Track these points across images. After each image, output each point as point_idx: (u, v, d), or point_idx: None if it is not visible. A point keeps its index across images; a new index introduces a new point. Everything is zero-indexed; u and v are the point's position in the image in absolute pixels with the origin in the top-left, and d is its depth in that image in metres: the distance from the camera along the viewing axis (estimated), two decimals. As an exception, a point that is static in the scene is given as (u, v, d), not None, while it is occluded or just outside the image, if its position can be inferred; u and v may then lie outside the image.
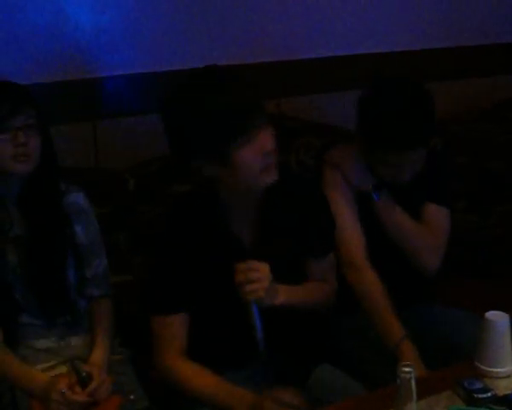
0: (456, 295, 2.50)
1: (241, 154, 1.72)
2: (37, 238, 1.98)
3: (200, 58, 2.66)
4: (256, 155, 1.73)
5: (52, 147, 2.03)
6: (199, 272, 1.84)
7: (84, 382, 1.91)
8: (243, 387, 1.81)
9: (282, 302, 1.82)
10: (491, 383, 1.67)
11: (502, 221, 2.98)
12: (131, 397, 1.97)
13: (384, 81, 2.13)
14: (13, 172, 1.93)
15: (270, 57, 2.79)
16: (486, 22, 3.25)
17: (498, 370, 1.72)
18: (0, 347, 1.95)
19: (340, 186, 2.17)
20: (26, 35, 2.40)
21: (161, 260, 1.89)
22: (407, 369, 1.47)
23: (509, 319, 1.73)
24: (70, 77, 2.48)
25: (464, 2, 3.20)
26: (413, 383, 1.47)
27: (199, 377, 1.85)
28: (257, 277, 1.74)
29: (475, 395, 1.62)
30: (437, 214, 2.25)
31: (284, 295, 1.83)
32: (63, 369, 2.01)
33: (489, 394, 1.62)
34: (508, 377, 1.72)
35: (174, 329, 1.87)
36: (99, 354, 2.03)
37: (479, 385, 1.65)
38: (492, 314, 1.73)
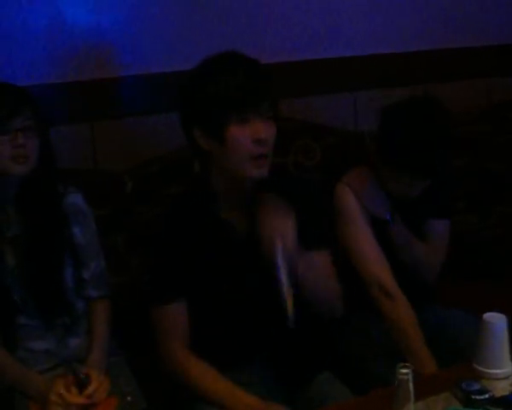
0: (456, 296, 2.50)
1: (234, 131, 1.75)
2: (34, 239, 1.98)
3: (200, 59, 2.67)
4: (247, 137, 1.75)
5: (50, 148, 2.03)
6: (195, 261, 1.86)
7: (81, 384, 1.91)
8: (245, 388, 1.82)
9: (301, 266, 1.79)
10: (489, 385, 1.67)
11: (501, 222, 2.98)
12: (129, 399, 1.97)
13: (408, 104, 2.14)
14: (11, 173, 1.92)
15: (268, 59, 2.77)
16: (485, 24, 3.25)
17: (496, 371, 1.72)
18: (-2, 349, 1.96)
19: (359, 214, 2.19)
20: (24, 37, 2.39)
21: (158, 252, 1.91)
22: (405, 370, 1.47)
23: (507, 321, 1.73)
24: (68, 79, 2.48)
25: (463, 4, 3.20)
26: (411, 384, 1.47)
27: (201, 373, 1.86)
28: (282, 227, 1.75)
29: (473, 397, 1.62)
30: (440, 230, 2.32)
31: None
32: (61, 370, 2.02)
33: (487, 395, 1.62)
34: (505, 378, 1.72)
35: (174, 318, 1.88)
36: (97, 356, 2.03)
37: (476, 387, 1.65)
38: (490, 316, 1.73)
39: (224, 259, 1.86)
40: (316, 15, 2.89)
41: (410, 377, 1.46)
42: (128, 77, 2.58)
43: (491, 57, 3.24)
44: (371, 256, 2.15)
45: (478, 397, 1.62)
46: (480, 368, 1.73)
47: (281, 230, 1.74)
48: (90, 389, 1.90)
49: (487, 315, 1.73)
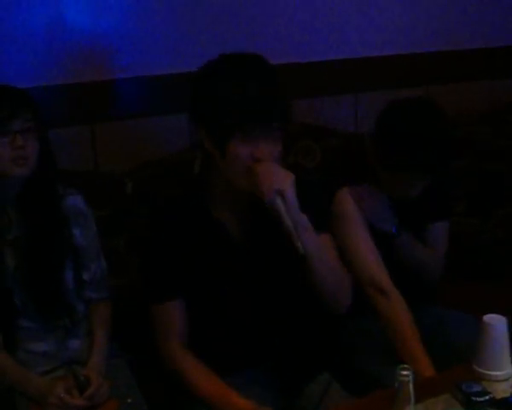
0: (457, 298, 2.50)
1: (236, 147, 1.72)
2: (35, 241, 1.98)
3: (201, 61, 2.67)
4: (248, 156, 1.72)
5: (50, 150, 2.03)
6: (191, 261, 1.86)
7: (82, 386, 1.91)
8: (243, 391, 1.82)
9: (304, 221, 1.75)
10: (489, 386, 1.67)
11: (502, 224, 2.98)
12: (129, 401, 1.97)
13: (406, 104, 2.14)
14: (11, 175, 1.92)
15: (270, 60, 2.78)
16: (486, 26, 3.25)
17: (496, 373, 1.71)
18: (-2, 350, 1.96)
19: (357, 213, 2.19)
20: (24, 39, 2.39)
21: (155, 250, 1.90)
22: (405, 372, 1.47)
23: (507, 322, 1.73)
24: (68, 80, 2.47)
25: (464, 7, 3.20)
26: (411, 386, 1.47)
27: (197, 375, 1.86)
28: (279, 176, 1.72)
29: (473, 399, 1.61)
30: (441, 233, 2.34)
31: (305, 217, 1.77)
32: (61, 373, 2.02)
33: (487, 397, 1.62)
34: (506, 380, 1.71)
35: (171, 316, 1.88)
36: (97, 358, 2.03)
37: (477, 388, 1.64)
38: (490, 317, 1.73)
39: (218, 259, 1.86)
40: (318, 17, 2.89)
41: (411, 378, 1.46)
42: (128, 79, 2.58)
43: (492, 59, 3.24)
44: (366, 255, 2.14)
45: (478, 399, 1.61)
46: (481, 370, 1.73)
47: (281, 183, 1.70)
48: (89, 392, 1.91)
49: (487, 317, 1.73)
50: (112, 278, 2.18)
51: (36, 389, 1.92)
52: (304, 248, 1.69)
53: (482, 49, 3.25)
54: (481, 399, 1.61)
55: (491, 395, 1.63)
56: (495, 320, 1.72)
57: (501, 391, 1.66)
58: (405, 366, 1.49)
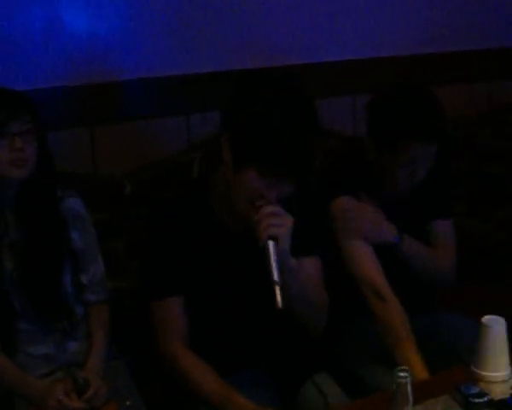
0: (456, 300, 2.49)
1: (250, 178, 1.70)
2: (33, 244, 1.98)
3: (199, 64, 2.68)
4: (260, 190, 1.71)
5: (49, 152, 2.03)
6: (191, 259, 1.86)
7: (80, 388, 1.92)
8: (242, 392, 1.81)
9: (293, 264, 1.77)
10: (488, 388, 1.67)
11: (502, 225, 2.98)
12: (128, 403, 1.97)
13: (393, 86, 2.17)
14: (10, 178, 1.92)
15: (268, 62, 2.79)
16: (485, 27, 3.25)
17: (495, 374, 1.71)
18: (-2, 354, 1.96)
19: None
20: (23, 41, 2.40)
21: (155, 248, 1.90)
22: (403, 373, 1.47)
23: (506, 324, 1.73)
24: (67, 83, 2.48)
25: (464, 8, 3.20)
26: (409, 387, 1.47)
27: (198, 374, 1.85)
28: (279, 222, 1.71)
29: (472, 400, 1.61)
30: (444, 230, 2.31)
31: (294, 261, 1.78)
32: (60, 375, 2.02)
33: (485, 398, 1.62)
34: (504, 381, 1.71)
35: (172, 313, 1.88)
36: (96, 361, 2.03)
37: (475, 390, 1.64)
38: (489, 319, 1.73)
39: (219, 258, 1.86)
40: (316, 19, 2.90)
41: (409, 380, 1.46)
42: (127, 81, 2.58)
43: (491, 60, 3.24)
44: (364, 258, 2.14)
45: (477, 400, 1.61)
46: (479, 371, 1.73)
47: (277, 229, 1.70)
48: (88, 394, 1.91)
49: (486, 318, 1.73)
50: (110, 281, 2.18)
51: (35, 391, 1.93)
52: (285, 296, 1.69)
53: (481, 51, 3.25)
54: (480, 400, 1.61)
55: (490, 397, 1.62)
56: (494, 322, 1.72)
57: (499, 393, 1.66)
58: (403, 367, 1.49)
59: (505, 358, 1.72)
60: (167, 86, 2.62)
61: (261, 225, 1.69)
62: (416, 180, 2.14)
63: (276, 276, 1.68)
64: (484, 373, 1.72)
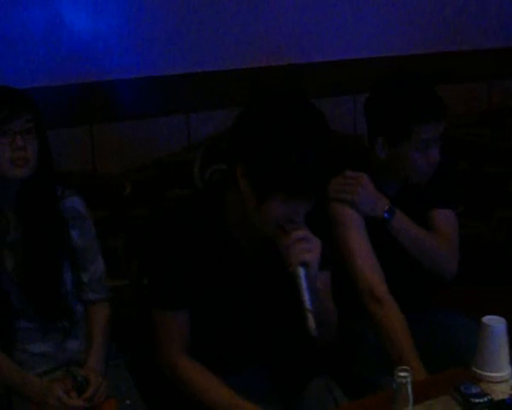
0: (456, 300, 2.50)
1: (275, 206, 1.69)
2: (33, 242, 1.98)
3: (198, 63, 2.68)
4: (284, 215, 1.70)
5: (49, 151, 2.02)
6: (200, 271, 1.83)
7: (80, 387, 1.92)
8: (244, 394, 1.81)
9: (318, 287, 1.75)
10: (488, 388, 1.67)
11: (502, 226, 2.98)
12: (128, 402, 1.97)
13: (390, 76, 2.21)
14: (11, 177, 1.92)
15: (269, 61, 2.79)
16: (485, 27, 3.26)
17: (495, 374, 1.71)
18: (-3, 352, 1.96)
19: (352, 220, 2.16)
20: (22, 40, 2.40)
21: (164, 257, 1.86)
22: (403, 373, 1.47)
23: (506, 324, 1.73)
24: (67, 81, 2.48)
25: (462, 8, 3.21)
26: (409, 387, 1.46)
27: (204, 382, 1.84)
28: (310, 247, 1.70)
29: (472, 400, 1.61)
30: (445, 219, 2.28)
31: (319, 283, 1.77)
32: (60, 374, 2.02)
33: (485, 398, 1.62)
34: (504, 381, 1.71)
35: (176, 325, 1.86)
36: (96, 359, 2.03)
37: (475, 390, 1.64)
38: (489, 319, 1.72)
39: (228, 274, 1.84)
40: (317, 19, 2.90)
41: (409, 380, 1.46)
42: (127, 80, 2.58)
43: (491, 60, 3.25)
44: (362, 261, 2.12)
45: (477, 400, 1.61)
46: (479, 371, 1.73)
47: (308, 255, 1.70)
48: (88, 393, 1.91)
49: (486, 318, 1.73)
50: (109, 280, 2.18)
51: (34, 390, 1.92)
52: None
53: (481, 51, 3.25)
54: (480, 400, 1.61)
55: (490, 397, 1.62)
56: (494, 322, 1.72)
57: (499, 393, 1.66)
58: (403, 367, 1.48)
59: (505, 358, 1.72)
60: (167, 85, 2.62)
61: (292, 250, 1.68)
62: (433, 162, 2.14)
63: (308, 304, 1.66)
64: (484, 373, 1.72)
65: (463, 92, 3.17)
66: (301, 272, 1.68)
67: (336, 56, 2.94)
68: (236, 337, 1.89)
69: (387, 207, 2.15)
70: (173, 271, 1.84)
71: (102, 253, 2.15)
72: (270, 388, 1.94)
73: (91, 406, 1.91)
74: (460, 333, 2.18)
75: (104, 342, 2.08)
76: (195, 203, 1.91)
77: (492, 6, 3.27)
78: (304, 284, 1.67)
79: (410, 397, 1.46)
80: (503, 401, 1.63)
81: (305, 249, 1.69)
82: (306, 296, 1.66)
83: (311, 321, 1.64)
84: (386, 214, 2.15)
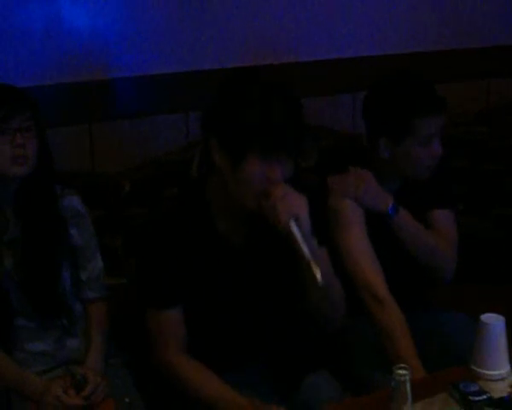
0: (454, 298, 2.50)
1: (253, 164, 1.69)
2: (32, 241, 1.98)
3: (196, 60, 2.68)
4: (263, 174, 1.70)
5: (49, 149, 2.02)
6: (191, 269, 1.84)
7: (79, 385, 1.92)
8: (242, 390, 1.81)
9: (315, 246, 1.72)
10: (487, 386, 1.67)
11: (500, 223, 2.98)
12: (127, 400, 1.97)
13: (387, 75, 2.23)
14: (11, 175, 1.92)
15: (268, 60, 2.79)
16: (482, 25, 3.26)
17: (493, 372, 1.71)
18: (-4, 350, 1.96)
19: (352, 218, 2.17)
20: (22, 38, 2.40)
21: (154, 257, 1.87)
22: (402, 371, 1.47)
23: (505, 322, 1.73)
24: (65, 80, 2.48)
25: (460, 6, 3.21)
26: (408, 385, 1.47)
27: (200, 379, 1.85)
28: (297, 200, 1.70)
29: (471, 398, 1.62)
30: (445, 219, 2.30)
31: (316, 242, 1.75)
32: (58, 372, 2.02)
33: (484, 396, 1.62)
34: (503, 379, 1.71)
35: (172, 324, 1.86)
36: (94, 358, 2.04)
37: (474, 388, 1.64)
38: (488, 317, 1.73)
39: (219, 269, 1.85)
40: (315, 17, 2.90)
41: (408, 378, 1.46)
42: (126, 78, 2.58)
43: (490, 59, 3.25)
44: (362, 260, 2.12)
45: (475, 398, 1.62)
46: (478, 369, 1.73)
47: (297, 207, 1.68)
48: (87, 391, 1.91)
49: (485, 316, 1.73)
50: (108, 278, 2.18)
51: (33, 388, 1.93)
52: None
53: (479, 49, 3.25)
54: (478, 398, 1.62)
55: (489, 395, 1.63)
56: (492, 319, 1.72)
57: (498, 391, 1.67)
58: (402, 365, 1.49)
59: (504, 356, 1.73)
60: (166, 84, 2.62)
61: (279, 207, 1.67)
62: (436, 156, 2.14)
63: (307, 253, 1.64)
64: (483, 371, 1.72)
65: (462, 91, 3.17)
66: (294, 225, 1.66)
67: (335, 55, 2.94)
68: (232, 333, 1.89)
69: (391, 203, 2.16)
70: (164, 269, 1.84)
71: (101, 251, 2.15)
72: (268, 384, 1.94)
73: (89, 404, 1.91)
74: (458, 331, 2.19)
75: (103, 340, 2.08)
76: (182, 201, 1.93)
77: (491, 4, 3.27)
78: (299, 236, 1.66)
79: (409, 395, 1.47)
80: (502, 398, 1.63)
81: (293, 204, 1.68)
82: (305, 248, 1.65)
83: (317, 271, 1.63)
84: (389, 210, 2.16)
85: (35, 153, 1.94)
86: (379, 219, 2.17)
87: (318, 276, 1.62)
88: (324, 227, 1.99)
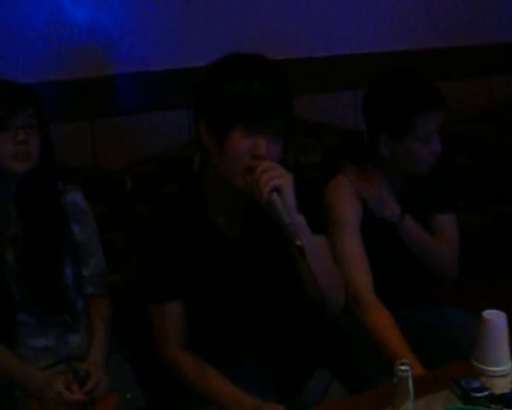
0: (455, 295, 2.50)
1: (236, 140, 1.70)
2: (34, 237, 1.99)
3: (199, 57, 2.67)
4: (247, 150, 1.70)
5: (51, 146, 2.03)
6: (190, 263, 1.84)
7: (81, 381, 1.92)
8: (241, 385, 1.82)
9: (301, 221, 1.71)
10: (489, 382, 1.67)
11: (501, 220, 2.98)
12: (128, 396, 1.96)
13: (385, 72, 2.22)
14: (13, 171, 1.92)
15: (270, 56, 2.77)
16: (484, 22, 3.26)
17: (495, 369, 1.71)
18: (-2, 346, 1.96)
19: (346, 220, 2.16)
20: (24, 35, 2.40)
21: (152, 251, 1.88)
22: (404, 367, 1.47)
23: (506, 318, 1.73)
24: (68, 76, 2.48)
25: (462, 3, 3.21)
26: (410, 381, 1.46)
27: (201, 374, 1.85)
28: (280, 173, 1.69)
29: (472, 394, 1.62)
30: (448, 224, 2.31)
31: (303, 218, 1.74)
32: (61, 368, 2.02)
33: (486, 393, 1.62)
34: (505, 375, 1.71)
35: (172, 318, 1.87)
36: (97, 353, 2.04)
37: (476, 384, 1.64)
38: (489, 313, 1.73)
39: (216, 263, 1.85)
40: (318, 13, 2.90)
41: (410, 374, 1.46)
42: (128, 74, 2.58)
43: (492, 56, 3.25)
44: (350, 262, 2.11)
45: (477, 395, 1.61)
46: (480, 366, 1.73)
47: (279, 180, 1.67)
48: (89, 386, 1.91)
49: (487, 313, 1.73)
50: (111, 274, 2.18)
51: (35, 383, 1.93)
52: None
53: (481, 46, 3.25)
54: (480, 394, 1.61)
55: (490, 391, 1.63)
56: (494, 316, 1.72)
57: (500, 387, 1.66)
58: (404, 361, 1.49)
59: (506, 352, 1.73)
60: (168, 80, 2.62)
61: (261, 179, 1.66)
62: (436, 152, 2.14)
63: (286, 219, 1.64)
64: (484, 367, 1.72)
65: (464, 88, 3.17)
66: (275, 196, 1.66)
67: (336, 51, 2.94)
68: (231, 327, 1.89)
69: (397, 209, 2.16)
70: (164, 264, 1.85)
71: (103, 247, 2.15)
72: (270, 380, 1.95)
73: (92, 400, 1.92)
74: (460, 328, 2.18)
75: (105, 336, 2.09)
76: (181, 196, 1.93)
77: (493, 2, 3.27)
78: (280, 207, 1.65)
79: (411, 391, 1.46)
80: (504, 395, 1.63)
81: (276, 176, 1.67)
82: (286, 219, 1.64)
83: (296, 239, 1.62)
84: (394, 217, 2.16)
85: (37, 149, 1.95)
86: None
87: (297, 240, 1.62)
88: (323, 223, 1.98)
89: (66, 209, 2.06)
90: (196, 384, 1.85)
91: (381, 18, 3.02)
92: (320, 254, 1.79)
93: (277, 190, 1.67)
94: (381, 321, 2.07)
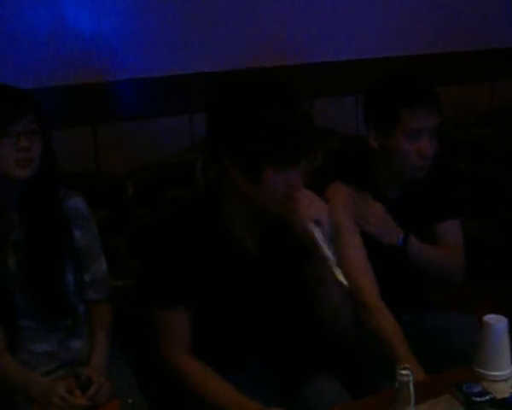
0: (456, 300, 2.50)
1: (272, 176, 1.72)
2: (36, 243, 1.99)
3: (201, 63, 2.68)
4: (283, 183, 1.73)
5: (53, 152, 2.03)
6: (198, 270, 1.84)
7: (83, 386, 1.92)
8: (245, 390, 1.82)
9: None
10: (490, 387, 1.68)
11: (501, 226, 2.98)
12: (130, 401, 1.97)
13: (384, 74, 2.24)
14: (15, 177, 1.92)
15: (271, 62, 2.79)
16: (486, 27, 3.26)
17: (496, 373, 1.72)
18: (1, 351, 1.96)
19: (348, 225, 2.16)
20: (26, 40, 2.40)
21: (164, 255, 1.87)
22: (405, 372, 1.47)
23: (508, 323, 1.73)
24: (70, 82, 2.48)
25: (463, 8, 3.21)
26: (411, 386, 1.47)
27: (204, 379, 1.86)
28: (318, 205, 1.73)
29: (474, 399, 1.62)
30: (451, 230, 2.32)
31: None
32: (63, 373, 2.02)
33: (487, 397, 1.63)
34: (506, 380, 1.72)
35: (177, 323, 1.87)
36: (99, 358, 2.04)
37: (477, 389, 1.65)
38: (491, 318, 1.73)
39: (231, 273, 1.85)
40: (319, 19, 2.90)
41: (411, 378, 1.47)
42: (130, 80, 2.58)
43: (494, 61, 3.25)
44: (355, 263, 2.11)
45: (479, 399, 1.62)
46: (481, 370, 1.74)
47: (319, 212, 1.72)
48: (91, 391, 1.91)
49: (488, 317, 1.74)
50: (113, 280, 2.18)
51: (38, 389, 1.93)
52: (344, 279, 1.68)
53: (482, 51, 3.25)
54: (482, 399, 1.62)
55: (492, 395, 1.63)
56: (495, 320, 1.73)
57: (501, 391, 1.67)
58: (405, 366, 1.49)
59: (507, 357, 1.73)
60: (171, 85, 2.62)
61: (301, 210, 1.70)
62: (424, 155, 2.13)
63: (330, 256, 1.67)
64: (486, 372, 1.73)
65: (465, 93, 3.18)
66: (315, 228, 1.69)
67: (338, 57, 2.95)
68: (238, 335, 1.90)
69: (401, 235, 2.16)
70: (170, 269, 1.85)
71: (105, 253, 2.16)
72: (272, 385, 1.95)
73: (94, 405, 1.92)
74: (461, 332, 2.18)
75: (107, 342, 2.08)
76: (195, 203, 1.93)
77: (494, 6, 3.27)
78: (320, 238, 1.68)
79: (412, 396, 1.47)
80: (505, 399, 1.64)
81: (313, 207, 1.71)
82: (327, 251, 1.68)
83: (339, 272, 1.66)
84: (399, 243, 2.16)
85: (39, 156, 1.95)
86: None
87: (341, 278, 1.66)
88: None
89: (68, 215, 2.06)
90: (199, 389, 1.86)
91: (383, 23, 3.02)
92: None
93: (317, 223, 1.70)
94: (386, 325, 2.08)
